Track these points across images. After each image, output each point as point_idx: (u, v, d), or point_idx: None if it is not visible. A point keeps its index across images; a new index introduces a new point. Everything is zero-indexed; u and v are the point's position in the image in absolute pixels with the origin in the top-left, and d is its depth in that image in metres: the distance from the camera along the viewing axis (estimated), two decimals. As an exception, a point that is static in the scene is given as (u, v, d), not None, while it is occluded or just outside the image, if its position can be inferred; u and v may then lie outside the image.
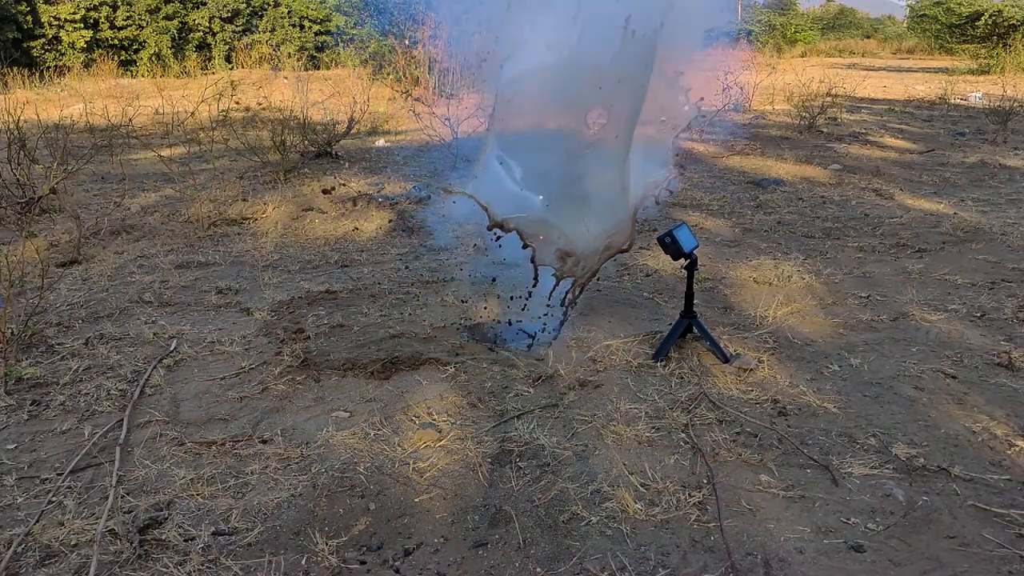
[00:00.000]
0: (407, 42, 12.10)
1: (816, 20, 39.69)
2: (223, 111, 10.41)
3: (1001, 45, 19.45)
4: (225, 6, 21.42)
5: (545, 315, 3.70)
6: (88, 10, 19.19)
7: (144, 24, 20.07)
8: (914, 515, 2.31)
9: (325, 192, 6.60)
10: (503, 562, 2.15)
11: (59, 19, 18.71)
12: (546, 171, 3.55)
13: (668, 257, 3.39)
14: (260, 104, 11.71)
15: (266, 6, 22.31)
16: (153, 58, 20.10)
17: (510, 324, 3.83)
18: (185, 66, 19.38)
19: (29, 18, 18.29)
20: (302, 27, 22.61)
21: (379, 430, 2.82)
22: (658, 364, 3.31)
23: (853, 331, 3.72)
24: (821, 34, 37.30)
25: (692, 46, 3.57)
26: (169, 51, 20.33)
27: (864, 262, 4.83)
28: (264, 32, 21.95)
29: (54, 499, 2.43)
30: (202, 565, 2.13)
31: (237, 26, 21.79)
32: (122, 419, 2.91)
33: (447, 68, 11.71)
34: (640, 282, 4.50)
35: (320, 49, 22.65)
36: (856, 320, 3.86)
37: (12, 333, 3.46)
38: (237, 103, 11.16)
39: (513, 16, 3.42)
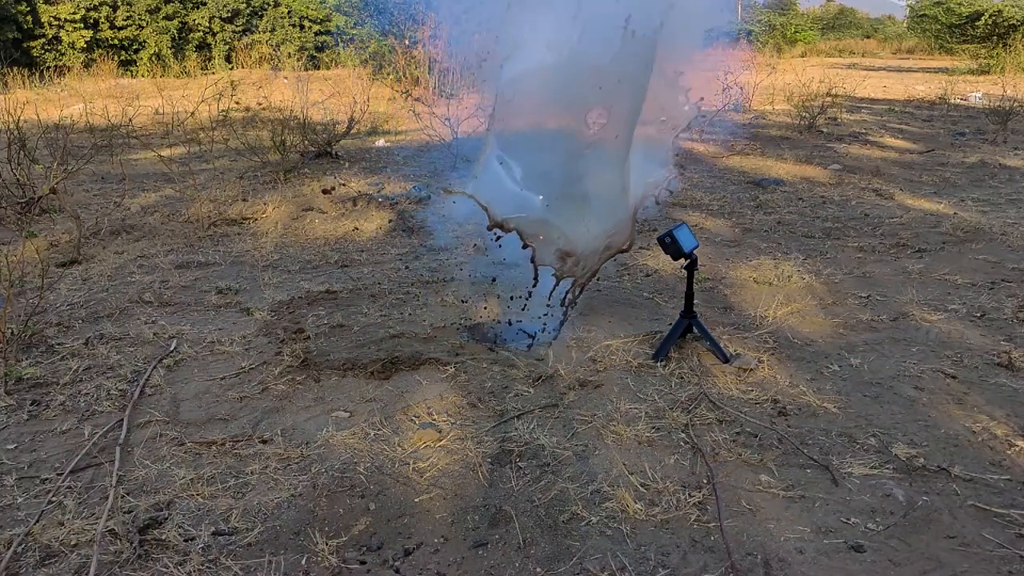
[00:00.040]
0: (407, 40, 12.10)
1: (816, 20, 39.70)
2: (223, 111, 10.41)
3: (1001, 45, 19.45)
4: (225, 6, 21.42)
5: (545, 315, 3.69)
6: (88, 10, 19.19)
7: (144, 24, 20.08)
8: (914, 515, 2.31)
9: (325, 192, 6.60)
10: (503, 562, 2.15)
11: (59, 19, 18.71)
12: (546, 171, 3.55)
13: (668, 257, 3.39)
14: (260, 104, 11.71)
15: (266, 6, 22.31)
16: (153, 58, 20.10)
17: (510, 324, 3.83)
18: (185, 66, 19.38)
19: (29, 18, 18.29)
20: (302, 27, 22.61)
21: (379, 430, 2.82)
22: (658, 364, 3.31)
23: (853, 331, 3.72)
24: (821, 34, 37.31)
25: (692, 46, 3.57)
26: (169, 51, 20.33)
27: (864, 262, 4.83)
28: (264, 32, 21.95)
29: (54, 499, 2.43)
30: (202, 565, 2.13)
31: (237, 26, 21.79)
32: (122, 419, 2.91)
33: (447, 68, 11.71)
34: (640, 282, 4.50)
35: (320, 49, 22.65)
36: (856, 320, 3.86)
37: (12, 333, 3.46)
38: (237, 103, 11.16)
39: (513, 16, 3.42)
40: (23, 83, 15.19)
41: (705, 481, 2.49)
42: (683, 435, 2.77)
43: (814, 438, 2.75)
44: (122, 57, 19.74)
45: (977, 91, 14.41)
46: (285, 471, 2.57)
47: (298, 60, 20.01)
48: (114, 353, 3.51)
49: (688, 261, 3.37)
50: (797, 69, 16.89)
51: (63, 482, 2.52)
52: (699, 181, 7.32)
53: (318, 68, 21.04)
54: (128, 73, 19.49)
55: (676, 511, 2.34)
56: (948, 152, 8.79)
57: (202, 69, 19.58)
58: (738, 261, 4.86)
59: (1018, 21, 19.31)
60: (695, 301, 3.47)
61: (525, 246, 3.50)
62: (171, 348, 3.56)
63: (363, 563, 2.15)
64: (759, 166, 8.03)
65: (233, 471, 2.58)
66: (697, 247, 3.40)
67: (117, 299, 4.24)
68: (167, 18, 20.51)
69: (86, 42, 19.03)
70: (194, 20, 21.15)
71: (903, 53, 31.51)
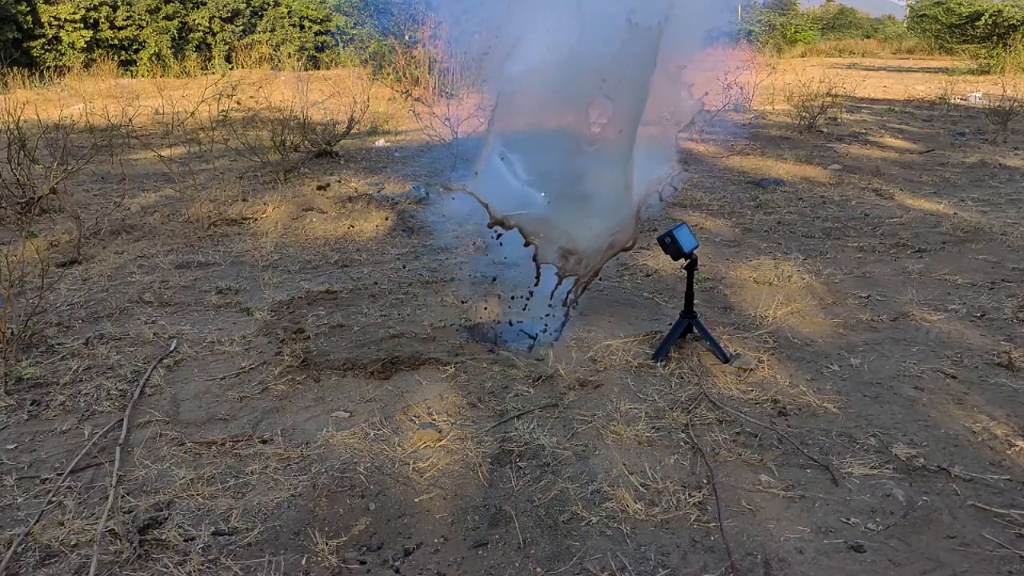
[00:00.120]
0: (407, 37, 12.09)
1: (816, 20, 39.69)
2: (223, 111, 10.41)
3: (1001, 45, 19.45)
4: (225, 6, 21.43)
5: (547, 315, 3.69)
6: (88, 10, 19.19)
7: (144, 24, 20.08)
8: (914, 515, 2.31)
9: (320, 188, 6.62)
10: (503, 562, 2.15)
11: (59, 19, 18.72)
12: (548, 168, 3.54)
13: (668, 257, 3.39)
14: (252, 97, 11.65)
15: (266, 6, 22.32)
16: (153, 58, 20.11)
17: (511, 324, 3.83)
18: (185, 66, 19.39)
19: (29, 18, 18.30)
20: (302, 27, 22.62)
21: (379, 430, 2.82)
22: (658, 364, 3.31)
23: (853, 331, 3.72)
24: (821, 34, 37.30)
25: (693, 45, 3.56)
26: (169, 51, 20.34)
27: (864, 262, 4.83)
28: (264, 32, 21.96)
29: (54, 499, 2.43)
30: (202, 565, 2.13)
31: (237, 26, 21.80)
32: (122, 419, 2.91)
33: (447, 68, 11.71)
34: (640, 282, 4.50)
35: (320, 49, 22.66)
36: (856, 320, 3.86)
37: (12, 333, 3.46)
38: (238, 103, 11.16)
39: (514, 13, 3.42)
40: (23, 83, 15.19)
41: (705, 481, 2.49)
42: (683, 435, 2.77)
43: (814, 438, 2.75)
44: (122, 57, 19.75)
45: (977, 91, 14.41)
46: (285, 471, 2.57)
47: (298, 60, 20.02)
48: (114, 353, 3.51)
49: (688, 261, 3.37)
50: (797, 69, 16.89)
51: (63, 482, 2.52)
52: (699, 181, 7.31)
53: (318, 68, 21.04)
54: (128, 73, 19.49)
55: (676, 511, 2.34)
56: (948, 152, 8.78)
57: (202, 69, 19.57)
58: (738, 261, 4.86)
59: (1018, 21, 19.31)
60: (695, 301, 3.47)
61: (527, 244, 3.49)
62: (171, 348, 3.56)
63: (363, 563, 2.15)
64: (759, 166, 8.03)
65: (233, 471, 2.58)
66: (697, 247, 3.40)
67: (117, 299, 4.24)
68: (167, 18, 20.52)
69: (86, 42, 19.03)
70: (194, 20, 21.16)
71: (903, 53, 31.51)
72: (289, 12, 22.43)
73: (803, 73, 15.10)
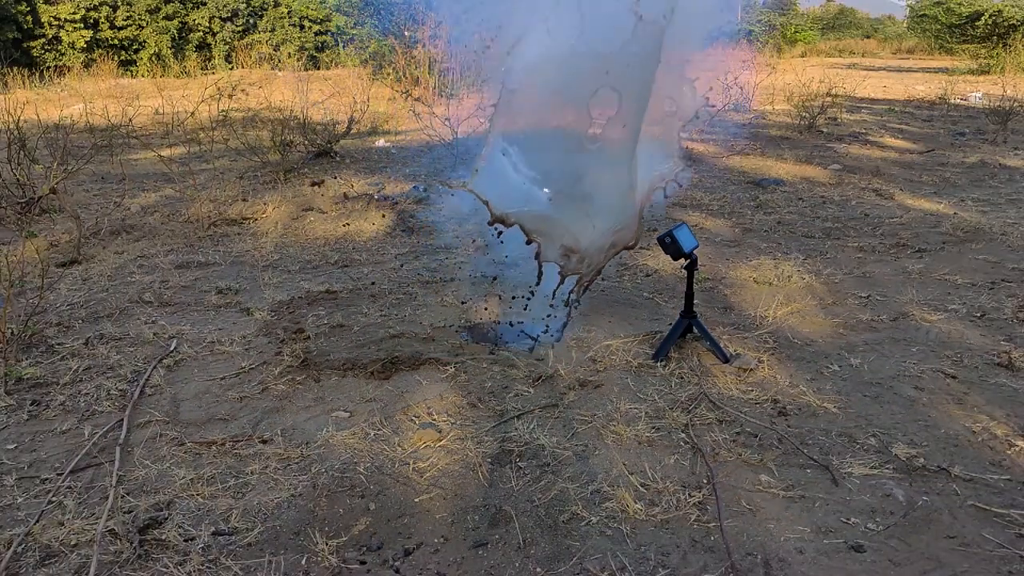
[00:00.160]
0: (407, 34, 12.08)
1: (816, 20, 39.69)
2: (223, 111, 10.41)
3: (1001, 45, 19.44)
4: (225, 6, 21.43)
5: (548, 316, 3.69)
6: (88, 10, 19.20)
7: (144, 24, 20.09)
8: (914, 515, 2.31)
9: (314, 185, 6.63)
10: (503, 562, 2.15)
11: (59, 19, 18.72)
12: (551, 165, 3.53)
13: (668, 257, 3.39)
14: (244, 91, 11.62)
15: (266, 6, 22.32)
16: (153, 58, 20.12)
17: (511, 325, 3.82)
18: (185, 66, 19.39)
19: (29, 18, 18.30)
20: (302, 27, 22.63)
21: (379, 430, 2.82)
22: (658, 364, 3.31)
23: (853, 331, 3.72)
24: (821, 34, 37.30)
25: (695, 43, 3.55)
26: (169, 51, 20.35)
27: (864, 262, 4.83)
28: (264, 32, 21.96)
29: (54, 499, 2.43)
30: (202, 565, 2.13)
31: (237, 26, 21.80)
32: (122, 419, 2.91)
33: (447, 68, 11.71)
34: (640, 282, 4.50)
35: (320, 49, 22.66)
36: (856, 320, 3.86)
37: (12, 333, 3.46)
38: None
39: (515, 12, 3.41)
40: (23, 83, 15.19)
41: (705, 481, 2.49)
42: (683, 435, 2.77)
43: (814, 438, 2.75)
44: (122, 57, 19.76)
45: (977, 91, 14.41)
46: (285, 471, 2.57)
47: (298, 60, 20.02)
48: (114, 353, 3.51)
49: (688, 261, 3.37)
50: (797, 69, 16.89)
51: (63, 482, 2.52)
52: (699, 181, 7.31)
53: (318, 68, 21.04)
54: (128, 73, 19.50)
55: (676, 511, 2.34)
56: (948, 152, 8.78)
57: (202, 69, 19.59)
58: (738, 261, 4.86)
59: (1018, 21, 19.30)
60: (695, 301, 3.47)
61: (529, 242, 3.48)
62: (171, 348, 3.56)
63: (363, 563, 2.15)
64: (759, 166, 8.03)
65: (233, 471, 2.58)
66: (697, 247, 3.40)
67: (117, 299, 4.24)
68: (167, 18, 20.52)
69: (86, 42, 19.04)
70: (194, 20, 21.16)
71: (903, 53, 31.51)
72: (289, 12, 22.44)
73: (803, 73, 15.10)
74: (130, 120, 9.64)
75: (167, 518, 2.32)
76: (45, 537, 2.24)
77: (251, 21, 22.18)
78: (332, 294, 4.31)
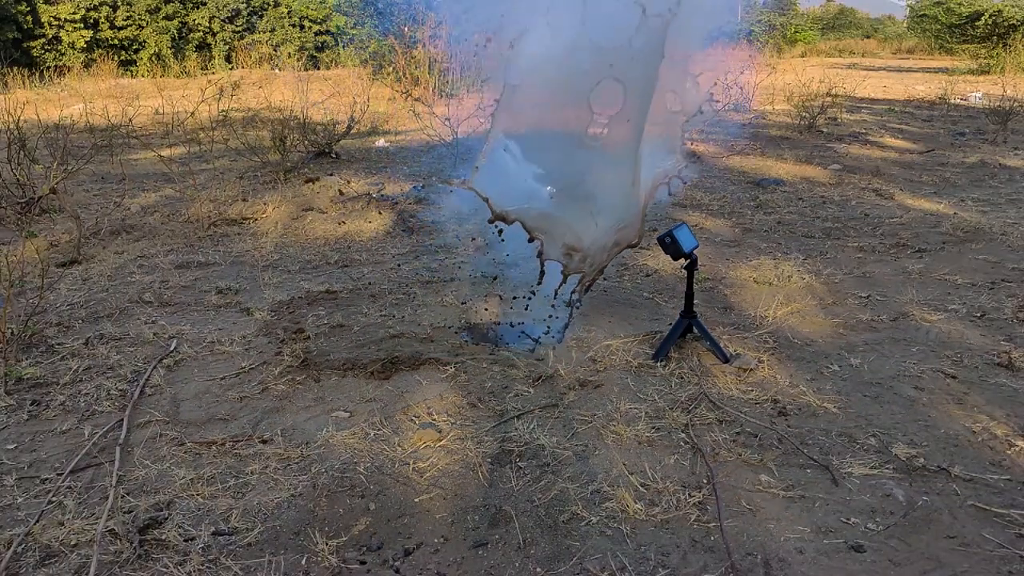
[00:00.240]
0: (407, 32, 12.08)
1: (816, 20, 39.69)
2: (223, 111, 10.41)
3: (1001, 45, 19.45)
4: (225, 6, 21.44)
5: (550, 317, 3.69)
6: (88, 10, 19.21)
7: (144, 24, 20.09)
8: (914, 515, 2.31)
9: (308, 181, 6.64)
10: (503, 562, 2.15)
11: (59, 19, 18.73)
12: (554, 162, 3.51)
13: (668, 257, 3.39)
14: (239, 85, 11.62)
15: (266, 6, 22.33)
16: (153, 58, 20.13)
17: (512, 326, 3.82)
18: (185, 66, 19.40)
19: (29, 18, 18.31)
20: (302, 27, 22.63)
21: (379, 430, 2.82)
22: (658, 364, 3.31)
23: (853, 331, 3.72)
24: (821, 34, 37.31)
25: (696, 44, 3.54)
26: (169, 51, 20.36)
27: (864, 262, 4.83)
28: (264, 32, 21.97)
29: (54, 499, 2.43)
30: (202, 565, 2.13)
31: (237, 26, 21.81)
32: (122, 419, 2.91)
33: (447, 68, 11.71)
34: (640, 282, 4.50)
35: (320, 49, 22.66)
36: (856, 320, 3.86)
37: (12, 333, 3.46)
38: (238, 105, 11.16)
39: (516, 11, 3.40)
40: (23, 83, 15.20)
41: (705, 481, 2.49)
42: (683, 435, 2.77)
43: (814, 438, 2.75)
44: (122, 57, 19.77)
45: (977, 91, 14.41)
46: (285, 471, 2.57)
47: (298, 60, 20.02)
48: (114, 353, 3.51)
49: (688, 261, 3.37)
50: (797, 69, 16.89)
51: (63, 482, 2.52)
52: (699, 181, 7.31)
53: (318, 68, 21.05)
54: (128, 73, 19.50)
55: (676, 511, 2.34)
56: (948, 152, 8.78)
57: (202, 69, 19.59)
58: (738, 261, 4.86)
59: (1018, 21, 19.31)
60: (695, 301, 3.47)
61: (531, 239, 3.47)
62: (171, 348, 3.56)
63: (363, 563, 2.15)
64: (759, 166, 8.03)
65: (233, 471, 2.58)
66: (697, 247, 3.40)
67: (117, 299, 4.24)
68: (167, 18, 20.53)
69: (86, 42, 19.05)
70: (194, 20, 21.17)
71: (903, 53, 31.50)
72: (289, 12, 22.44)
73: (803, 73, 15.10)
74: (130, 120, 9.64)
75: (167, 518, 2.32)
76: (45, 537, 2.24)
77: (251, 21, 22.18)
78: (332, 294, 4.31)
